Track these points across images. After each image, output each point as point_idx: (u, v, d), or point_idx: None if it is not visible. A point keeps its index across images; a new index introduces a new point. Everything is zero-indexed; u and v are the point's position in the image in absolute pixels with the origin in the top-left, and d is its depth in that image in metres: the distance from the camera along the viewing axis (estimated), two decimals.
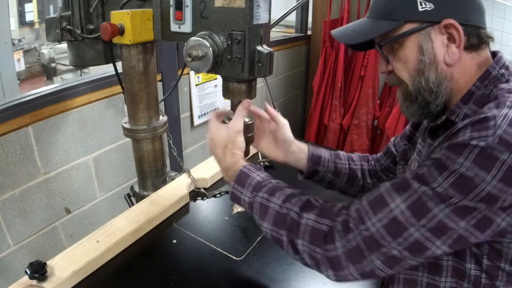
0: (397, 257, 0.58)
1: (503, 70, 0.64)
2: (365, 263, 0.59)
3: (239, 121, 0.77)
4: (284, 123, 0.93)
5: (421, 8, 0.63)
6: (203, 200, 1.16)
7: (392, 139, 0.99)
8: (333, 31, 0.74)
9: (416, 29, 0.64)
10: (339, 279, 0.63)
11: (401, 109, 0.74)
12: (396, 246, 0.57)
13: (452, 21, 0.61)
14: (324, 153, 0.96)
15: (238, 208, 1.10)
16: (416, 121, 0.76)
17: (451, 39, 0.63)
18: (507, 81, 0.63)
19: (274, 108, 0.93)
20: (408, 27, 0.64)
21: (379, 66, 0.73)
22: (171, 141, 1.30)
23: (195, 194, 1.18)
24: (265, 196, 0.70)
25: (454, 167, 0.53)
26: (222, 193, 1.18)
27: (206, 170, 1.24)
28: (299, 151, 0.94)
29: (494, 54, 0.68)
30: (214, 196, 1.18)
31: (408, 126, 0.91)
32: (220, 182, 1.24)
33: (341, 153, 0.99)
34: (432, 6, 0.62)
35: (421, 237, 0.56)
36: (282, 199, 0.68)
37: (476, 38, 0.64)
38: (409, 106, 0.70)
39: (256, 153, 1.32)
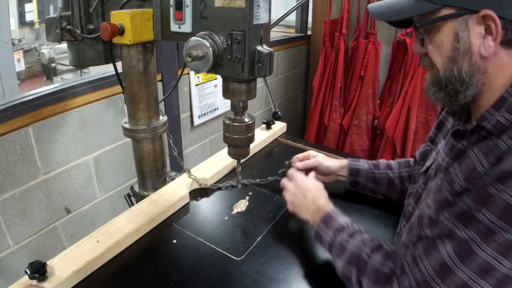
0: None
1: None
2: None
3: (318, 180, 0.98)
4: (319, 159, 1.11)
5: None
6: (208, 197, 1.15)
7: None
8: (369, 6, 0.74)
9: (453, 15, 0.62)
10: None
11: (426, 91, 0.73)
12: (444, 287, 0.60)
13: (490, 12, 0.59)
14: (363, 165, 1.08)
15: (238, 208, 1.10)
16: (442, 106, 0.79)
17: (488, 31, 0.61)
18: None
19: (275, 107, 0.94)
20: (445, 11, 0.63)
21: (414, 47, 0.73)
22: (171, 141, 1.30)
23: (197, 193, 1.18)
24: (345, 237, 0.78)
25: (503, 199, 0.53)
26: (227, 187, 1.19)
27: (207, 170, 1.24)
28: (341, 168, 1.10)
29: None
30: (219, 188, 1.18)
31: (432, 129, 0.91)
32: (219, 182, 1.24)
33: (381, 162, 1.08)
34: None
35: (469, 280, 0.57)
36: (360, 241, 0.76)
37: None
38: (436, 92, 0.70)
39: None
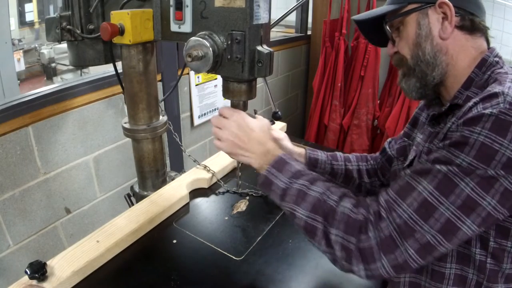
0: (430, 244, 0.58)
1: (497, 59, 0.70)
2: (398, 253, 0.59)
3: (267, 120, 0.84)
4: (283, 137, 0.98)
5: None
6: (208, 197, 1.16)
7: (388, 139, 1.02)
8: (353, 17, 0.85)
9: (416, 9, 0.72)
10: (369, 274, 0.62)
11: (399, 84, 0.81)
12: (428, 229, 0.57)
13: (446, 0, 0.69)
14: (321, 155, 1.01)
15: (238, 208, 1.10)
16: (415, 98, 0.80)
17: (445, 18, 0.71)
18: (502, 67, 0.69)
19: (275, 107, 0.93)
20: (410, 7, 0.73)
21: (388, 49, 0.81)
22: (177, 139, 1.32)
23: (197, 193, 1.18)
24: (305, 183, 0.70)
25: (473, 138, 0.56)
26: (224, 193, 1.19)
27: (212, 166, 1.25)
28: (299, 156, 1.00)
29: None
30: (222, 193, 1.18)
31: (407, 125, 0.94)
32: (223, 178, 1.24)
33: (339, 154, 1.04)
34: None
35: (451, 215, 0.56)
36: (323, 188, 0.69)
37: (470, 22, 0.71)
38: (407, 80, 0.77)
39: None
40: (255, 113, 0.86)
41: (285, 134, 0.99)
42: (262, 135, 0.78)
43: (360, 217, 0.63)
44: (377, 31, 0.81)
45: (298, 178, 0.71)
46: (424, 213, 0.58)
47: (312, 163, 0.99)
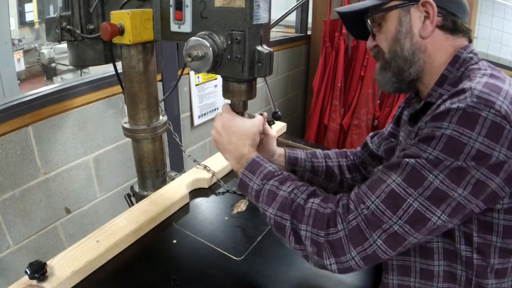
0: (398, 234, 0.58)
1: (472, 55, 0.70)
2: (367, 245, 0.59)
3: (259, 121, 0.83)
4: (273, 136, 0.96)
5: None
6: (208, 197, 1.16)
7: (370, 134, 1.04)
8: (336, 8, 0.87)
9: (398, 5, 0.73)
10: (341, 267, 0.62)
11: (374, 78, 0.82)
12: (396, 220, 0.57)
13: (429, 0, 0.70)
14: (300, 154, 1.01)
15: (238, 208, 1.10)
16: (389, 91, 0.81)
17: (427, 17, 0.71)
18: (476, 63, 0.69)
19: (275, 107, 0.93)
20: (393, 3, 0.74)
21: (368, 43, 0.81)
22: (177, 139, 1.32)
23: (197, 193, 1.18)
24: (275, 184, 0.71)
25: (440, 132, 0.56)
26: (224, 193, 1.19)
27: (212, 166, 1.25)
28: (279, 157, 0.99)
29: None
30: (222, 193, 1.18)
31: (390, 124, 0.96)
32: (223, 178, 1.24)
33: (318, 151, 1.04)
34: None
35: (420, 207, 0.56)
36: (292, 187, 0.70)
37: (451, 23, 0.71)
38: (383, 73, 0.78)
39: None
40: (262, 115, 0.87)
41: (275, 134, 0.98)
42: (241, 139, 0.79)
43: (328, 210, 0.63)
44: (359, 24, 0.81)
45: (270, 179, 0.72)
46: (392, 203, 0.58)
47: (291, 162, 0.99)
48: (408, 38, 0.72)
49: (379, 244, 0.58)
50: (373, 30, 0.78)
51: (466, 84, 0.60)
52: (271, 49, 0.76)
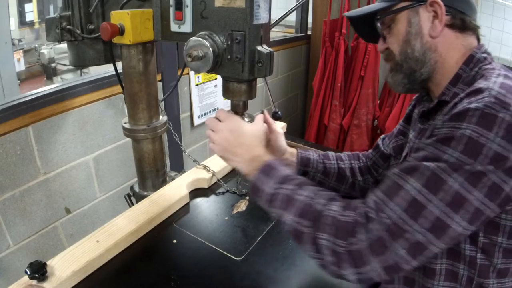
0: (421, 243, 0.56)
1: (486, 55, 0.70)
2: (388, 255, 0.57)
3: (261, 120, 0.83)
4: (280, 132, 0.94)
5: None
6: (208, 197, 1.16)
7: (382, 136, 1.03)
8: (345, 13, 0.88)
9: (407, 7, 0.73)
10: (360, 277, 0.60)
11: (386, 79, 0.82)
12: (418, 228, 0.56)
13: None
14: (313, 155, 1.00)
15: (238, 208, 1.10)
16: (400, 92, 0.81)
17: (436, 16, 0.71)
18: (490, 63, 0.69)
19: (275, 107, 0.93)
20: (401, 5, 0.74)
21: (379, 45, 0.81)
22: (177, 139, 1.32)
23: (197, 193, 1.18)
24: (293, 188, 0.68)
25: (460, 133, 0.56)
26: (224, 193, 1.19)
27: (212, 166, 1.25)
28: (290, 156, 0.98)
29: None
30: (222, 193, 1.18)
31: (400, 122, 0.95)
32: (223, 178, 1.24)
33: (330, 153, 1.04)
34: None
35: (440, 213, 0.55)
36: (311, 192, 0.67)
37: (460, 21, 0.71)
38: (394, 75, 0.78)
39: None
40: (262, 112, 0.86)
41: (282, 131, 0.96)
42: (252, 141, 0.78)
43: (349, 219, 0.61)
44: (369, 27, 0.81)
45: (286, 183, 0.70)
46: (414, 212, 0.56)
47: (304, 163, 0.97)
48: (418, 38, 0.72)
49: (401, 253, 0.57)
50: (383, 32, 0.79)
51: (482, 84, 0.60)
52: (271, 49, 0.76)
